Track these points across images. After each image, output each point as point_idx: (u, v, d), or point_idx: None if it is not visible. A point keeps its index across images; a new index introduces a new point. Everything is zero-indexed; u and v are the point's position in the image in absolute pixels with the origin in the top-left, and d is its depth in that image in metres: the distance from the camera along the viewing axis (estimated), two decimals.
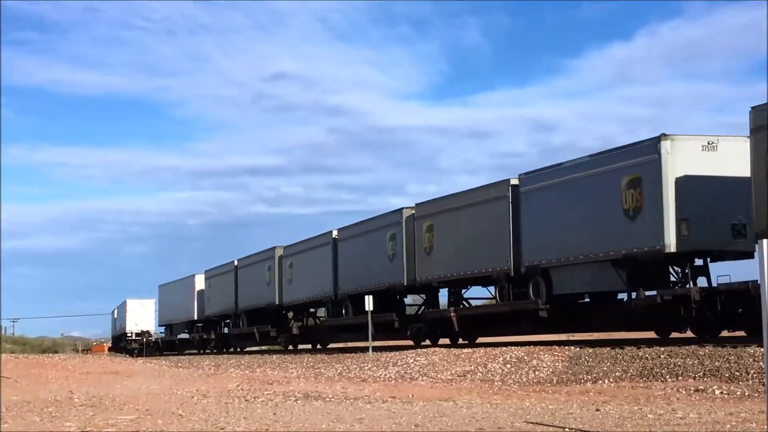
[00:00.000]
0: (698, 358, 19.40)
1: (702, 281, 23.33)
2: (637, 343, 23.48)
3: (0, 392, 19.85)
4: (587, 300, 26.99)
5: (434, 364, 24.99)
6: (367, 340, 32.85)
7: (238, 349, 51.53)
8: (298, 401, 16.82)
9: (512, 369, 22.55)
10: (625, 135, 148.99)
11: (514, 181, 27.78)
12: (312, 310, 42.74)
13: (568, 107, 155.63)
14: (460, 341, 31.63)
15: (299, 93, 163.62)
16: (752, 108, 20.45)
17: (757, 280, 17.14)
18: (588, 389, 18.25)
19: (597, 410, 13.72)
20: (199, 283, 56.16)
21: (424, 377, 23.42)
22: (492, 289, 29.60)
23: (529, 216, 27.00)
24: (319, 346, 42.67)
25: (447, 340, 32.35)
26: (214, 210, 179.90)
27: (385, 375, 24.72)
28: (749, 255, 21.97)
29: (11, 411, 15.64)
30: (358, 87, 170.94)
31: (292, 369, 30.45)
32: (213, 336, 54.53)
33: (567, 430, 11.53)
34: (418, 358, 26.41)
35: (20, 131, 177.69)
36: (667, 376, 18.75)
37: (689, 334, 23.79)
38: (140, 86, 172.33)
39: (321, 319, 41.88)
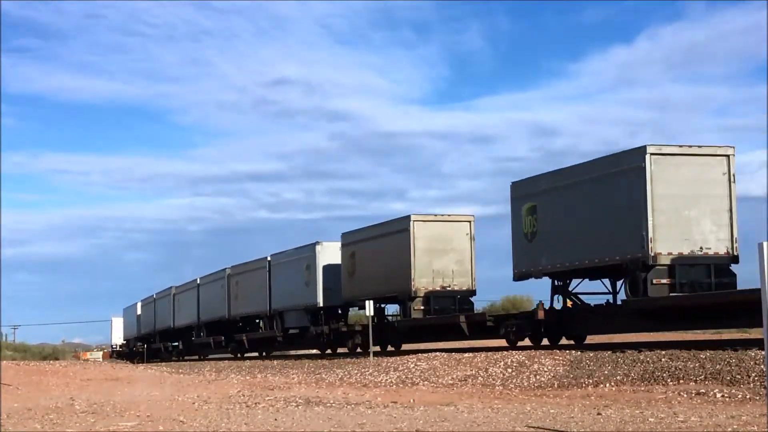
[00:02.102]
0: (699, 362, 19.41)
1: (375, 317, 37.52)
2: (638, 346, 23.51)
3: (0, 399, 19.84)
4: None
5: (435, 369, 24.99)
6: (214, 353, 54.97)
7: (160, 359, 65.91)
8: (300, 407, 16.82)
9: (513, 373, 22.54)
10: (627, 138, 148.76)
11: (269, 258, 45.90)
12: (193, 331, 58.82)
13: (570, 111, 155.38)
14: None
15: (300, 98, 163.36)
16: (342, 233, 38.83)
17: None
18: (589, 393, 18.25)
19: (598, 414, 13.72)
20: (138, 309, 73.50)
21: (425, 382, 23.41)
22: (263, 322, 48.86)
23: (274, 280, 45.30)
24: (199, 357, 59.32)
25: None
26: (215, 216, 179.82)
27: (386, 380, 24.72)
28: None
29: (12, 418, 15.64)
30: (359, 92, 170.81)
31: (293, 374, 30.44)
32: (143, 349, 70.93)
33: None
34: (419, 363, 26.41)
35: (21, 138, 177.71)
36: (669, 380, 18.76)
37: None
38: (141, 92, 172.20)
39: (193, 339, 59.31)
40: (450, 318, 32.23)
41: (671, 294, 24.05)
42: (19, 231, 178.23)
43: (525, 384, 21.08)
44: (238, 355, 50.72)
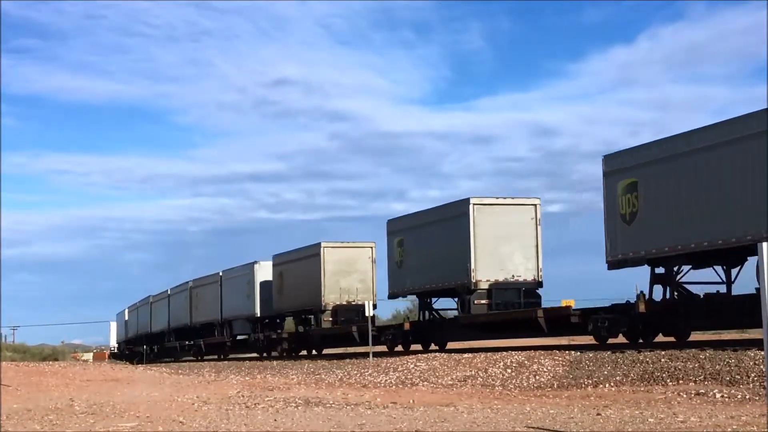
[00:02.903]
0: (699, 362, 19.41)
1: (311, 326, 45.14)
2: (638, 347, 23.52)
3: (0, 400, 19.83)
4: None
5: (435, 369, 25.00)
6: (181, 356, 61.98)
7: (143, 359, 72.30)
8: (299, 407, 16.81)
9: (513, 374, 22.55)
10: (627, 138, 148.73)
11: (221, 273, 52.93)
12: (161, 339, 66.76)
13: (570, 111, 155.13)
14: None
15: (300, 99, 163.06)
16: (273, 255, 46.10)
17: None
18: (589, 393, 18.25)
19: (598, 414, 13.72)
20: (126, 314, 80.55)
21: (425, 382, 23.42)
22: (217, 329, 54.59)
23: (225, 293, 51.95)
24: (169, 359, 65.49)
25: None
26: (215, 216, 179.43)
27: (386, 380, 24.73)
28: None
29: (12, 419, 15.64)
30: (359, 92, 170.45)
31: (292, 375, 30.46)
32: (131, 351, 76.20)
33: None
34: (418, 364, 26.43)
35: (21, 138, 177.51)
36: (668, 380, 18.76)
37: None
38: (142, 93, 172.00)
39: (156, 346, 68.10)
40: (345, 328, 38.56)
41: (488, 312, 30.60)
42: (19, 231, 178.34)
43: (524, 384, 21.09)
44: (199, 357, 57.86)
